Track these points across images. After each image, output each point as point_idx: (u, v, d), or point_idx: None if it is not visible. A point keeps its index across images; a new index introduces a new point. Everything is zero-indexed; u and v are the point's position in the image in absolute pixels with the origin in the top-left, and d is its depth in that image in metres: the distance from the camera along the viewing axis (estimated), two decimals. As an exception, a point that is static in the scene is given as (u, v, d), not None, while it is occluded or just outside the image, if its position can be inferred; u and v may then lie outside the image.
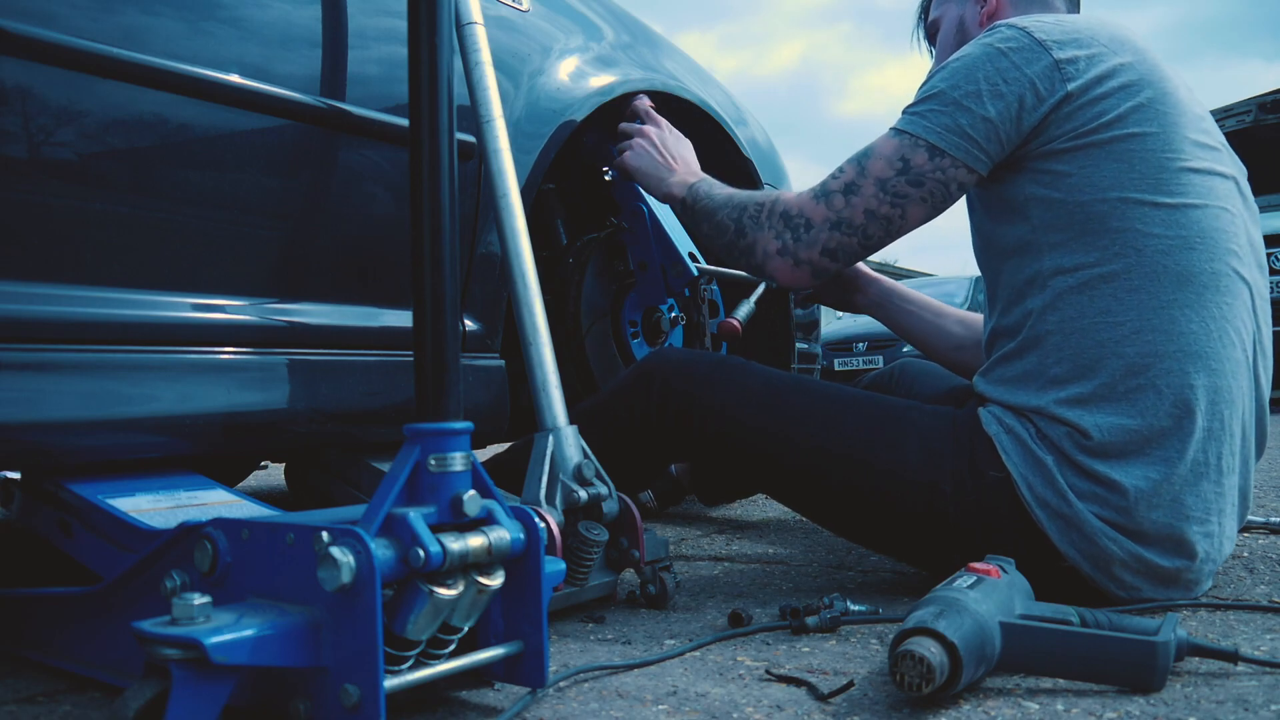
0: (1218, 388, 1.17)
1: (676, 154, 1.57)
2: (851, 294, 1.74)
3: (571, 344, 1.80)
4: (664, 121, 1.64)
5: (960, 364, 1.67)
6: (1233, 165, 1.30)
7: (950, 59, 1.26)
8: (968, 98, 1.21)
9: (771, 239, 1.33)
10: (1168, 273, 1.17)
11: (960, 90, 1.21)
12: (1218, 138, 1.28)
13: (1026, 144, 1.23)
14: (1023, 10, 1.45)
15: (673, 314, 1.93)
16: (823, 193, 1.30)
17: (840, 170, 1.30)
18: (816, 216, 1.30)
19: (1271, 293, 6.07)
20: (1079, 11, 1.49)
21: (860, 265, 1.70)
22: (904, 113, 1.27)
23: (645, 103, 1.71)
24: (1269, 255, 5.71)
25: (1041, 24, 1.24)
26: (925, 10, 1.60)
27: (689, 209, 1.48)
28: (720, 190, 1.45)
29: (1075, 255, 1.20)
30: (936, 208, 1.27)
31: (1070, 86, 1.19)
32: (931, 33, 1.58)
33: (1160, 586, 1.18)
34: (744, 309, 1.75)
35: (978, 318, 1.67)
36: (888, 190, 1.25)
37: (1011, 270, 1.26)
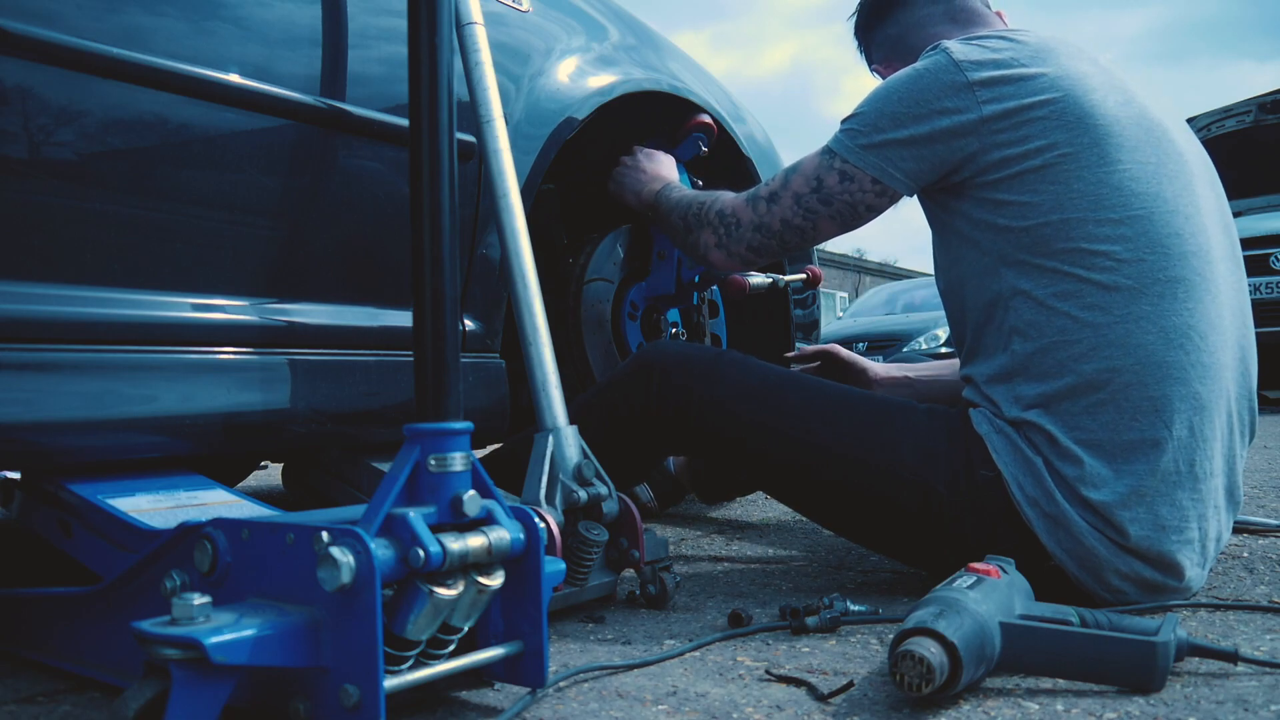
0: (1184, 396, 1.16)
1: (651, 170, 1.71)
2: (869, 386, 1.80)
3: (571, 344, 1.80)
4: (642, 150, 1.77)
5: None
6: (1192, 154, 1.30)
7: (884, 81, 1.33)
8: (886, 119, 1.28)
9: (709, 234, 1.48)
10: (1119, 288, 1.17)
11: (882, 113, 1.29)
12: (1164, 131, 1.26)
13: (960, 169, 1.26)
14: (964, 23, 1.46)
15: (675, 329, 1.96)
16: (752, 197, 1.44)
17: (773, 178, 1.42)
18: (744, 217, 1.44)
19: (1270, 293, 6.06)
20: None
21: (870, 365, 1.80)
22: (839, 126, 1.34)
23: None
24: (1269, 255, 5.69)
25: (968, 46, 1.26)
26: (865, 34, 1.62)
27: (655, 213, 1.64)
28: (677, 193, 1.60)
29: (1028, 279, 1.22)
30: (846, 225, 1.37)
31: (986, 110, 1.22)
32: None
33: (1148, 595, 1.18)
34: (756, 278, 1.82)
35: None
36: (801, 205, 1.37)
37: (974, 293, 1.29)
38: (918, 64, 1.28)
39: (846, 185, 1.32)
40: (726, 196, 1.49)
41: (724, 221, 1.46)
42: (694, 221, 1.51)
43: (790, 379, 1.39)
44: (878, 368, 1.82)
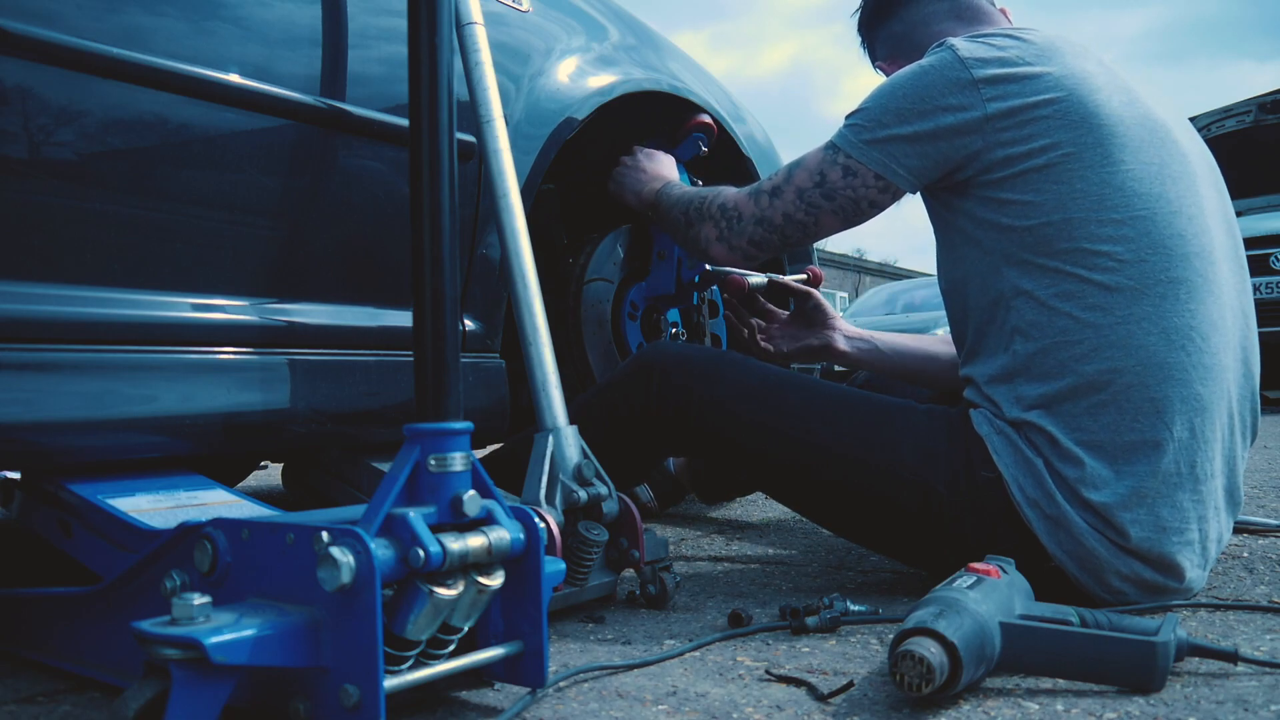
0: (1185, 397, 1.16)
1: (651, 170, 1.70)
2: (834, 331, 1.79)
3: (571, 344, 1.81)
4: (642, 150, 1.77)
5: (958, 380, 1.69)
6: (1196, 155, 1.30)
7: (890, 77, 1.32)
8: (890, 115, 1.28)
9: (711, 228, 1.48)
10: (1121, 288, 1.17)
11: (886, 108, 1.28)
12: (1168, 131, 1.27)
13: (964, 167, 1.26)
14: (968, 21, 1.46)
15: (674, 329, 1.96)
16: (755, 191, 1.43)
17: (775, 173, 1.42)
18: (746, 211, 1.43)
19: (1270, 293, 6.05)
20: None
21: (840, 340, 1.77)
22: (844, 121, 1.34)
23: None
24: (1269, 256, 5.70)
25: (973, 44, 1.26)
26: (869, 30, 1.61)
27: (656, 211, 1.63)
28: (678, 190, 1.60)
29: (1030, 279, 1.22)
30: (848, 220, 1.37)
31: (990, 108, 1.22)
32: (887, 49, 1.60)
33: (1148, 596, 1.18)
34: (755, 278, 1.82)
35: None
36: (804, 200, 1.36)
37: (976, 293, 1.29)
38: (923, 60, 1.28)
39: (850, 180, 1.31)
40: (728, 191, 1.48)
41: (725, 215, 1.46)
42: (695, 216, 1.50)
43: (790, 380, 1.38)
44: (846, 325, 1.83)
